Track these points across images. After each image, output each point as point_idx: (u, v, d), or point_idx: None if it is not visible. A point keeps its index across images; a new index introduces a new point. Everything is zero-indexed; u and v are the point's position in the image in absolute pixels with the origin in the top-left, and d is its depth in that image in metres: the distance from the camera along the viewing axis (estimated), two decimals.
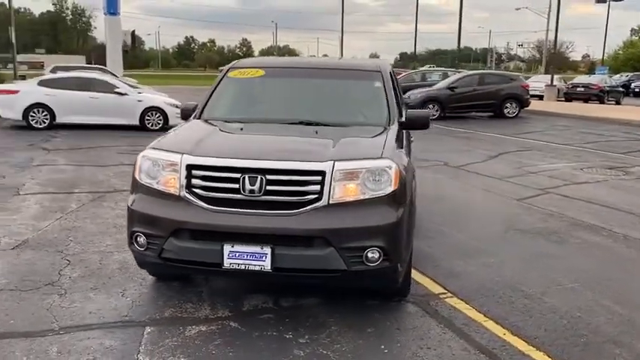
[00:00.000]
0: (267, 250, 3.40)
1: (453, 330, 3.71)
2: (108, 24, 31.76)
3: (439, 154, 11.18)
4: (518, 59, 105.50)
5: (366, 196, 3.50)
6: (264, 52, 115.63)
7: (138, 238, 3.66)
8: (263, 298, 4.12)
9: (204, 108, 4.80)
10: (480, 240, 5.64)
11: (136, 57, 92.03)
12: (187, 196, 3.53)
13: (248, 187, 3.44)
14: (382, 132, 4.15)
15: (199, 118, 4.69)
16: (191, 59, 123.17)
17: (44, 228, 5.70)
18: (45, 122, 14.17)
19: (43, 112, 14.20)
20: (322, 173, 3.45)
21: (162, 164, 3.65)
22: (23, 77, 25.09)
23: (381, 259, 3.47)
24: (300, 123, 4.37)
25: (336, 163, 3.48)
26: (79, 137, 12.84)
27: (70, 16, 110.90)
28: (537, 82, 30.42)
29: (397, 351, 3.42)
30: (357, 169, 3.50)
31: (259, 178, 3.44)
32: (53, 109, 14.18)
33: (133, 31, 51.68)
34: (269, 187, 3.45)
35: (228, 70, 5.10)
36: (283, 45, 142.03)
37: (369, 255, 3.45)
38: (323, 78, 4.97)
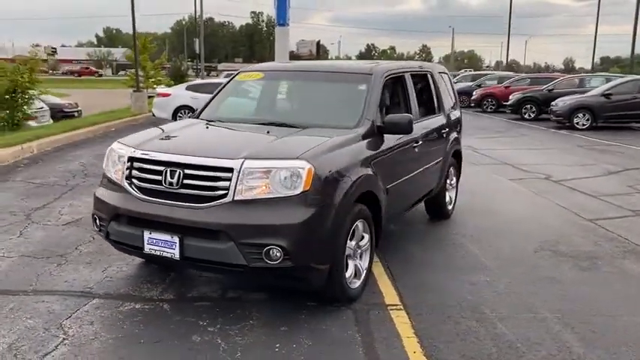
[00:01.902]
0: (176, 239, 3.64)
1: (364, 341, 3.56)
2: (277, 34, 34.25)
3: (549, 167, 10.20)
4: None
5: (275, 195, 3.55)
6: (444, 58, 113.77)
7: (95, 221, 4.17)
8: (215, 287, 4.35)
9: (205, 107, 5.19)
10: (493, 257, 5.16)
11: None
12: (126, 185, 3.92)
13: (168, 179, 3.72)
14: (335, 134, 4.09)
15: (197, 117, 5.09)
16: None
17: None
18: None
19: (188, 113, 15.93)
20: (231, 170, 3.58)
21: (117, 156, 4.11)
22: None
23: (282, 259, 3.49)
24: (271, 124, 4.50)
25: (246, 160, 3.59)
26: None
27: (265, 28, 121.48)
28: None
29: (287, 350, 3.41)
30: (267, 168, 3.57)
31: (178, 172, 3.70)
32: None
33: (318, 41, 54.92)
34: (186, 181, 3.69)
35: (237, 74, 5.43)
36: (468, 50, 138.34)
37: (270, 253, 3.49)
38: (311, 81, 5.03)
